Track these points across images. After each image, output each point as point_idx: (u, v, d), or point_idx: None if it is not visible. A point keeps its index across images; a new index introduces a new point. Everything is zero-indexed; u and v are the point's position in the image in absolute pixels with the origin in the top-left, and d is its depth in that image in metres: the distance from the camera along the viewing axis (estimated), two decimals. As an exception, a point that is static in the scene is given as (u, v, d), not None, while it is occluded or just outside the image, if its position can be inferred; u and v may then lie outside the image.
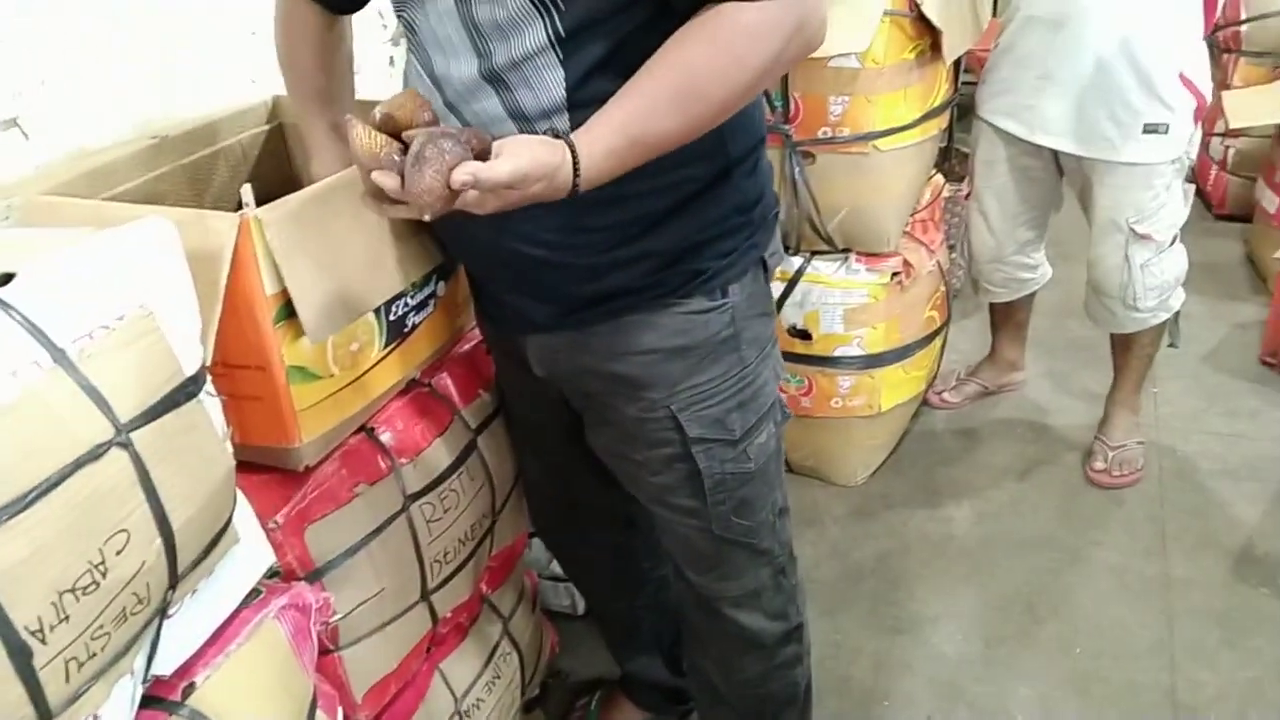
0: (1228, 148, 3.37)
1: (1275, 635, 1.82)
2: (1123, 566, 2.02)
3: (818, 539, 2.15)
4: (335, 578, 1.10)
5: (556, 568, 1.80)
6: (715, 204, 1.08)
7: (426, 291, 1.23)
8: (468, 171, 0.83)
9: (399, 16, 1.04)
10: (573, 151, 0.88)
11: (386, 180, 0.84)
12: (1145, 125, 1.93)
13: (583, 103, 0.94)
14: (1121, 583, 1.97)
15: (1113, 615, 1.90)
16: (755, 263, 1.15)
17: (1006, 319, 2.52)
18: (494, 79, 0.97)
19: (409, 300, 1.19)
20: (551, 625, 1.80)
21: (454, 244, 1.20)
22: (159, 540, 0.76)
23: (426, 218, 0.85)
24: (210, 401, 0.85)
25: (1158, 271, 2.07)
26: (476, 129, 0.90)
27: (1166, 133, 1.94)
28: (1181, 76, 1.92)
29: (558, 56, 0.95)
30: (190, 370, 0.82)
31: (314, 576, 1.08)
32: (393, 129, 0.87)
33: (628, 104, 0.90)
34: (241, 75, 1.51)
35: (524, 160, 0.85)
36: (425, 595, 1.25)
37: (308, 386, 1.06)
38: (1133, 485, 2.23)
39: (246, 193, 1.31)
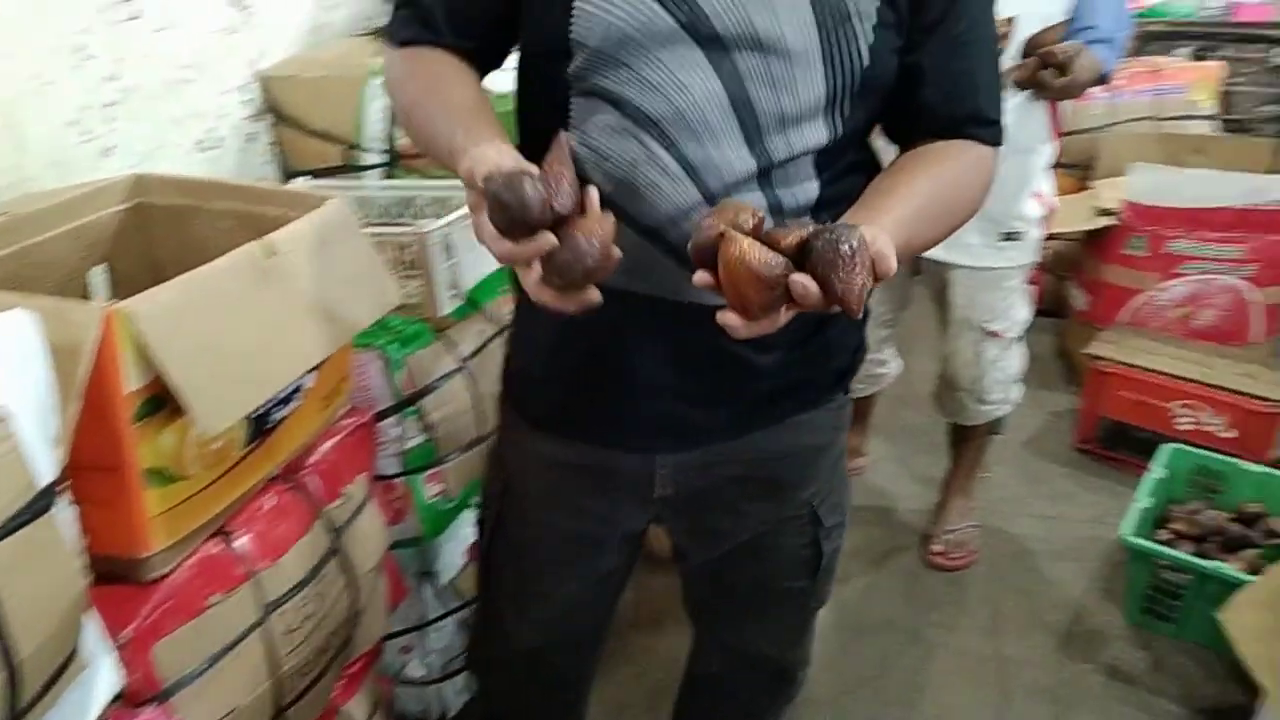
0: (1045, 249, 3.63)
1: (1099, 710, 1.93)
2: (962, 648, 2.10)
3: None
4: (184, 697, 1.02)
5: (410, 671, 1.72)
6: None
7: (293, 384, 1.17)
8: (888, 263, 0.78)
9: (597, 97, 0.92)
10: None
11: (812, 287, 0.75)
12: (1002, 234, 2.07)
13: (827, 203, 0.96)
14: (960, 664, 2.06)
15: (954, 698, 1.97)
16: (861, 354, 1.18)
17: (854, 411, 2.61)
18: (764, 174, 0.94)
19: (274, 394, 1.13)
20: (404, 731, 1.72)
21: (613, 356, 1.02)
22: (2, 674, 0.69)
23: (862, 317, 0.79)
24: (65, 512, 0.79)
25: (1005, 367, 2.21)
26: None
27: (1021, 239, 2.09)
28: (1036, 191, 2.08)
29: (822, 158, 0.95)
30: (44, 481, 0.75)
31: (161, 698, 1.00)
32: (768, 240, 0.78)
33: (909, 206, 0.90)
34: (97, 148, 1.43)
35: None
36: (279, 712, 1.16)
37: (163, 490, 0.99)
38: (968, 567, 2.34)
39: (96, 276, 1.23)
